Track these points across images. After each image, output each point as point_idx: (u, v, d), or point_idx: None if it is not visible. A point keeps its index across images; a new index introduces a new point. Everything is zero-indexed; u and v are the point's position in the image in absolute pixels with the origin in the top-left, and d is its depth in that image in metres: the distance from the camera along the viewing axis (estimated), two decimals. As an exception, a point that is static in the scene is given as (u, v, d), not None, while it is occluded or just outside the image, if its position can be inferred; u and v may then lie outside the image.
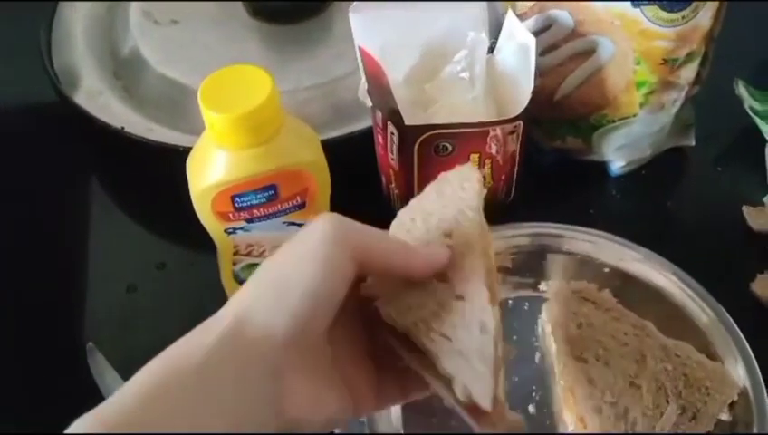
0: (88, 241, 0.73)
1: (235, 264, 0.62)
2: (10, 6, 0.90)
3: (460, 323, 0.41)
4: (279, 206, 0.58)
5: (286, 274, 0.39)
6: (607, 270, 0.64)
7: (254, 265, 0.62)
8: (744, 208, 0.70)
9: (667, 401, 0.55)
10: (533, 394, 0.59)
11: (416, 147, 0.62)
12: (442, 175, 0.50)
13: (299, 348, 0.38)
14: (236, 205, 0.57)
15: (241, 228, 0.59)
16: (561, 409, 0.58)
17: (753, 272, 0.66)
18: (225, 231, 0.59)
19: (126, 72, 0.81)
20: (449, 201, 0.48)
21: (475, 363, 0.39)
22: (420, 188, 0.65)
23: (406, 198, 0.66)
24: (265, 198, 0.57)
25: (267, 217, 0.59)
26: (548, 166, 0.74)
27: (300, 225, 0.61)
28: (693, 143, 0.74)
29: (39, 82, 0.79)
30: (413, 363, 0.42)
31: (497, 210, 0.68)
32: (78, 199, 0.77)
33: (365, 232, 0.42)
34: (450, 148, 0.62)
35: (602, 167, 0.73)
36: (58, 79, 0.78)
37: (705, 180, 0.75)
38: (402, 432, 0.57)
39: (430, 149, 0.62)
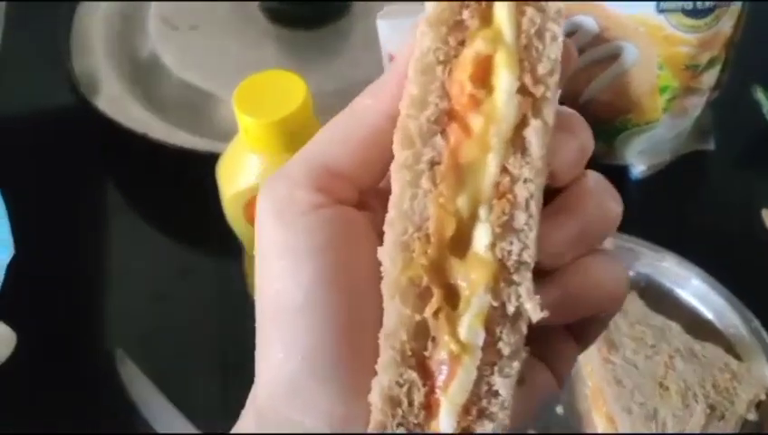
0: (110, 248, 0.73)
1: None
2: (29, 13, 0.90)
3: None
4: (309, 211, 0.59)
5: None
6: (632, 273, 0.64)
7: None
8: (764, 212, 0.71)
9: (696, 402, 0.55)
10: (561, 395, 0.59)
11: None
12: None
13: None
14: (268, 209, 0.57)
15: (271, 233, 0.60)
16: (589, 409, 0.58)
17: (775, 274, 0.66)
18: (256, 236, 0.60)
19: (145, 77, 0.82)
20: None
21: None
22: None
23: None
24: (296, 204, 0.58)
25: (298, 221, 0.59)
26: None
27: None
28: (712, 147, 0.75)
29: (58, 89, 0.80)
30: None
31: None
32: (98, 206, 0.77)
33: (310, 165, 0.30)
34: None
35: (623, 171, 0.74)
36: (79, 84, 0.78)
37: (724, 184, 0.76)
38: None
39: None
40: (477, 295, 0.27)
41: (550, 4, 0.28)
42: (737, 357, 0.59)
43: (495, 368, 0.27)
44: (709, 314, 0.62)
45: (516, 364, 0.27)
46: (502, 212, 0.27)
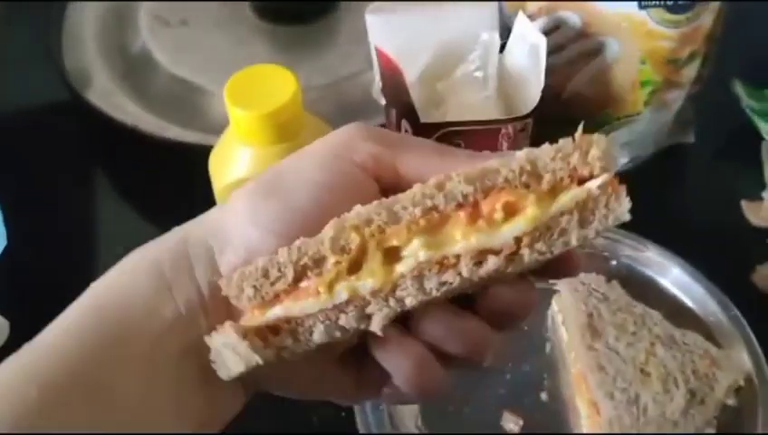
0: (101, 240, 0.74)
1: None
2: (21, 10, 0.91)
3: None
4: (299, 201, 0.60)
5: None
6: (614, 263, 0.66)
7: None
8: (743, 203, 0.72)
9: (676, 387, 0.57)
10: (545, 382, 0.61)
11: (429, 144, 0.64)
12: None
13: None
14: (259, 200, 0.59)
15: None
16: (573, 395, 0.60)
17: (753, 264, 0.68)
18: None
19: (136, 72, 0.82)
20: None
21: None
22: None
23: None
24: (287, 194, 0.59)
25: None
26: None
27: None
28: (692, 140, 0.76)
29: (50, 84, 0.81)
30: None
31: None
32: (90, 199, 0.78)
33: (388, 140, 0.38)
34: (463, 145, 0.64)
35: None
36: (71, 79, 0.79)
37: (705, 176, 0.77)
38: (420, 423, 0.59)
39: (443, 146, 0.64)
40: (363, 283, 0.34)
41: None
42: (717, 344, 0.61)
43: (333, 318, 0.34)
44: (689, 303, 0.64)
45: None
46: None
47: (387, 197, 0.35)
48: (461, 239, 0.33)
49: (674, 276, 0.65)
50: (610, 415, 0.55)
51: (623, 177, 0.35)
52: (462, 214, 0.34)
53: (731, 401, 0.58)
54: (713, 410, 0.57)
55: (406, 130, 0.64)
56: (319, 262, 0.34)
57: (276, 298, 0.34)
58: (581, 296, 0.62)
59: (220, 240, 0.36)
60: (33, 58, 0.85)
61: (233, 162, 0.57)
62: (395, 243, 0.34)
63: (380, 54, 0.64)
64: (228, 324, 0.34)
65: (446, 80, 0.67)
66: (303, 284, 0.34)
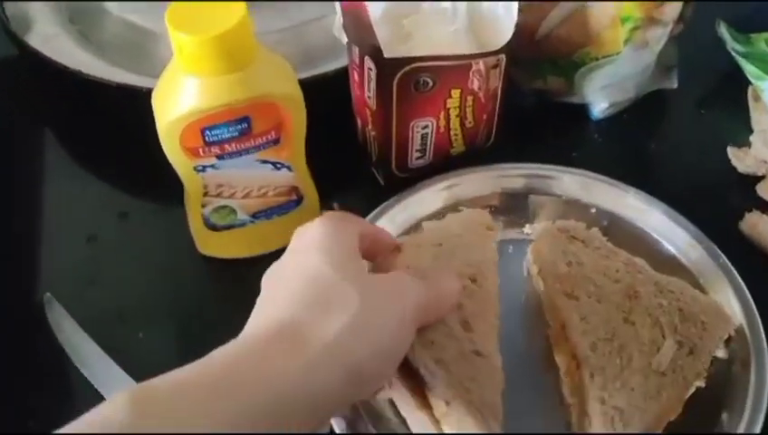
0: (45, 192, 0.69)
1: (204, 206, 0.59)
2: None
3: (478, 376, 0.47)
4: (252, 141, 0.55)
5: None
6: (594, 211, 0.62)
7: (224, 208, 0.59)
8: (729, 150, 0.68)
9: (663, 337, 0.52)
10: (522, 337, 0.56)
11: (395, 83, 0.59)
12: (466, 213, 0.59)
13: None
14: (207, 139, 0.53)
15: (211, 166, 0.56)
16: (550, 350, 0.55)
17: (741, 211, 0.64)
18: (195, 169, 0.56)
19: (82, 16, 0.77)
20: (475, 246, 0.54)
21: (489, 420, 0.45)
22: (399, 130, 0.62)
23: (384, 140, 0.63)
24: (237, 132, 0.54)
25: (239, 153, 0.55)
26: (528, 109, 0.71)
27: (275, 163, 0.57)
28: (675, 85, 0.72)
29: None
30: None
31: (477, 155, 0.66)
32: (33, 150, 0.73)
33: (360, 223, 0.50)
34: (431, 83, 0.59)
35: (583, 110, 0.71)
36: (9, 23, 0.73)
37: (689, 123, 0.73)
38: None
39: (410, 84, 0.59)
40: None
41: None
42: (704, 292, 0.56)
43: None
44: (674, 250, 0.59)
45: None
46: None
47: None
48: None
49: (657, 223, 0.60)
50: (592, 367, 0.51)
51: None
52: None
53: (721, 353, 0.54)
54: (703, 362, 0.52)
55: (369, 69, 0.60)
56: None
57: None
58: (560, 244, 0.57)
59: None
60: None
61: (178, 96, 0.52)
62: None
63: (341, -12, 0.59)
64: None
65: (413, 16, 0.62)
66: None
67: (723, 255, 0.58)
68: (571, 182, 0.63)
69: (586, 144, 0.70)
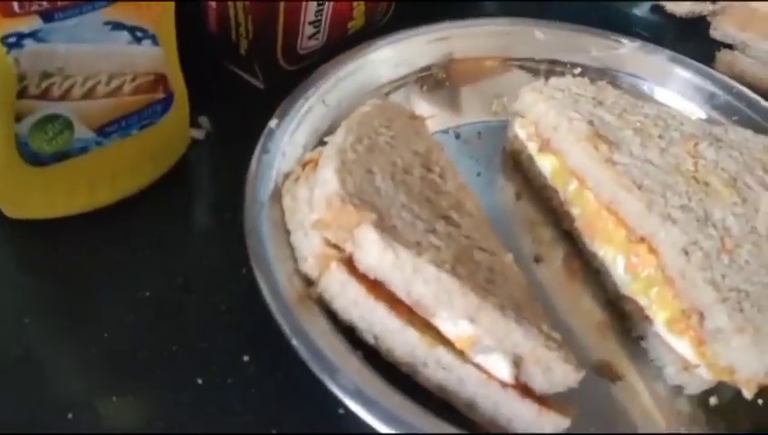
0: None
1: (18, 119, 0.36)
2: None
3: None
4: (95, -14, 0.34)
5: None
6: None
7: (53, 119, 0.37)
8: None
9: (753, 191, 0.36)
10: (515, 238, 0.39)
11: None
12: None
13: None
14: (25, -17, 0.32)
15: (31, 34, 0.34)
16: (581, 243, 0.38)
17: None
18: (4, 42, 0.33)
19: None
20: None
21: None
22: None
23: (265, 12, 0.43)
24: (74, -33, 0.33)
25: (78, 6, 0.34)
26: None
27: (132, 30, 0.36)
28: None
29: None
30: None
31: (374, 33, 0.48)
32: None
33: None
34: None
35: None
36: None
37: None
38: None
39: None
40: None
41: None
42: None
43: None
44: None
45: None
46: None
47: None
48: None
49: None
50: (681, 242, 0.34)
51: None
52: None
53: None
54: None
55: None
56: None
57: None
58: (566, 104, 0.40)
59: None
60: None
61: None
62: None
63: None
64: None
65: None
66: None
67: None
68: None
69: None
